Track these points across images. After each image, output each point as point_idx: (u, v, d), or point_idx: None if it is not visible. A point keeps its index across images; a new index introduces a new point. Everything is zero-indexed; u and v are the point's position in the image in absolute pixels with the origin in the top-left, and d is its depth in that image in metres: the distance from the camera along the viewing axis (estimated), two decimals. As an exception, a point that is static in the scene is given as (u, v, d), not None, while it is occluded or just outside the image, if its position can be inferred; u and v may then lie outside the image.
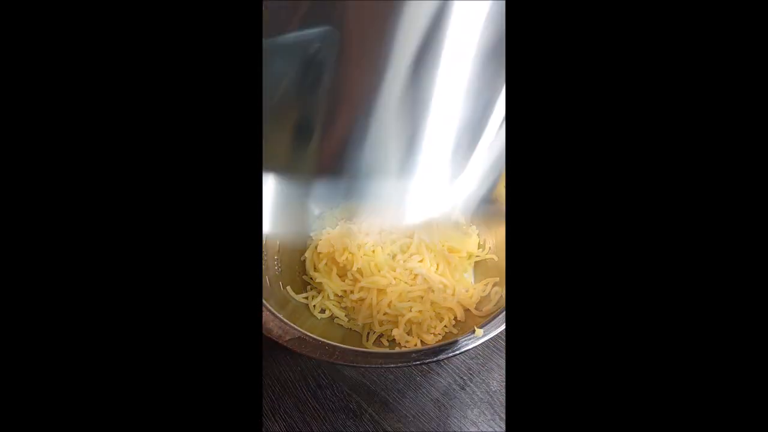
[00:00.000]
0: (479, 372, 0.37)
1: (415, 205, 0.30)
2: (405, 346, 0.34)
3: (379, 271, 0.37)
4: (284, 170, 0.29)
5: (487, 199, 0.32)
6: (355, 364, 0.26)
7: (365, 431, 0.35)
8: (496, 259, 0.38)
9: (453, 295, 0.37)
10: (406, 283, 0.37)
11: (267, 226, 0.36)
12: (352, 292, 0.37)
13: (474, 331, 0.27)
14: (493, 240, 0.40)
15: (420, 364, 0.26)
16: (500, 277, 0.37)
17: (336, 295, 0.37)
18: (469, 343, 0.26)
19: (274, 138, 0.26)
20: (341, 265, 0.37)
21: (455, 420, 0.35)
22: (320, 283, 0.37)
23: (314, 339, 0.27)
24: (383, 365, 0.26)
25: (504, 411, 0.35)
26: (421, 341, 0.35)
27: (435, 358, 0.26)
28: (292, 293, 0.36)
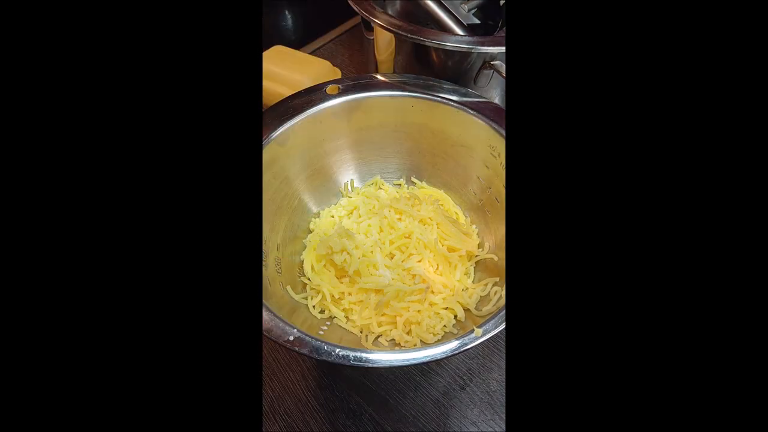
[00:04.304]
0: (479, 372, 0.37)
1: None
2: (404, 347, 0.34)
3: (377, 270, 0.37)
4: None
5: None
6: (354, 364, 0.26)
7: (365, 431, 0.35)
8: (495, 258, 0.38)
9: (452, 295, 0.37)
10: (404, 283, 0.37)
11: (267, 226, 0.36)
12: (350, 294, 0.37)
13: (473, 331, 0.27)
14: (493, 240, 0.40)
15: (420, 363, 0.26)
16: (500, 277, 0.37)
17: (333, 297, 0.37)
18: (469, 343, 0.26)
19: None
20: (339, 266, 0.37)
21: (455, 420, 0.35)
22: (318, 284, 0.37)
23: (314, 339, 0.27)
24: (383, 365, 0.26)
25: (504, 411, 0.35)
26: (421, 341, 0.35)
27: (435, 358, 0.26)
28: (291, 293, 0.36)
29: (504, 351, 0.38)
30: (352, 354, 0.26)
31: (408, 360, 0.26)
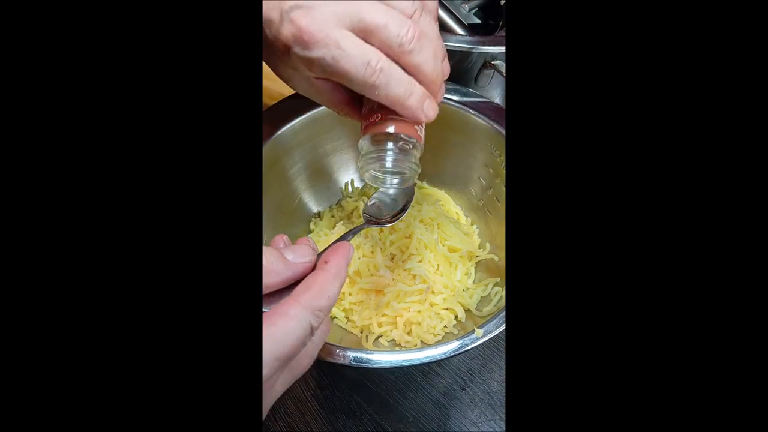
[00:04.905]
0: (479, 372, 0.37)
1: None
2: (405, 347, 0.34)
3: (377, 271, 0.37)
4: None
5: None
6: (355, 364, 0.26)
7: (365, 431, 0.34)
8: (496, 259, 0.38)
9: (453, 295, 0.37)
10: (405, 283, 0.37)
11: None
12: (350, 294, 0.37)
13: (474, 332, 0.27)
14: (494, 240, 0.40)
15: (420, 364, 0.26)
16: (501, 278, 0.37)
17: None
18: (470, 344, 0.26)
19: None
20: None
21: (455, 420, 0.35)
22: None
23: None
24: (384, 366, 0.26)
25: (504, 411, 0.35)
26: (421, 341, 0.34)
27: (435, 359, 0.26)
28: (292, 293, 0.36)
29: (504, 351, 0.38)
30: (352, 354, 0.26)
31: (408, 361, 0.26)
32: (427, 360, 0.26)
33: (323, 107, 0.40)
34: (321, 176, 0.43)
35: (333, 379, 0.37)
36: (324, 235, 0.41)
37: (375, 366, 0.26)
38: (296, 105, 0.39)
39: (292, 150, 0.40)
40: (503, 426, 0.35)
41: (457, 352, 0.26)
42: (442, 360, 0.26)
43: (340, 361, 0.26)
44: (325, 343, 0.26)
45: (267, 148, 0.37)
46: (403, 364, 0.26)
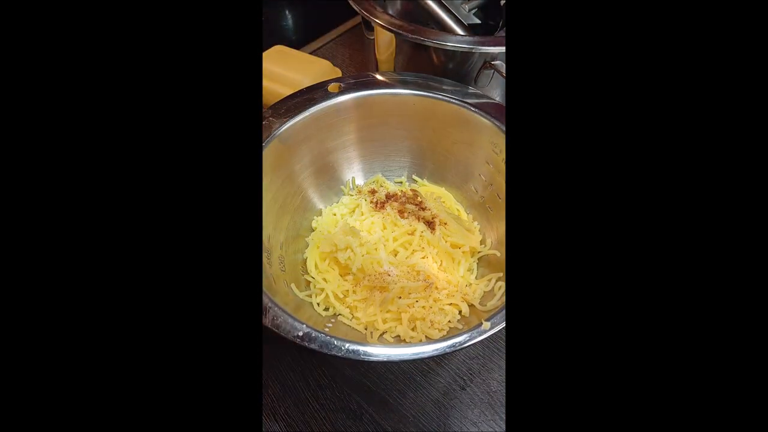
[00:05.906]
0: (479, 372, 0.37)
1: None
2: (410, 343, 0.34)
3: (381, 267, 0.37)
4: None
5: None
6: (363, 358, 0.26)
7: (365, 431, 0.34)
8: (498, 254, 0.38)
9: (456, 290, 0.37)
10: (408, 279, 0.37)
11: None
12: (354, 291, 0.37)
13: (481, 324, 0.27)
14: (495, 236, 0.40)
15: (427, 357, 0.26)
16: (503, 272, 0.37)
17: (337, 295, 0.37)
18: (478, 336, 0.26)
19: None
20: (343, 264, 0.37)
21: (455, 420, 0.35)
22: (322, 284, 0.37)
23: (324, 334, 0.27)
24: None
25: (504, 411, 0.35)
26: (426, 337, 0.34)
27: (453, 349, 0.26)
28: (296, 290, 0.36)
29: (504, 352, 0.38)
30: (362, 349, 0.26)
31: (419, 353, 0.26)
32: (437, 353, 0.26)
33: (324, 105, 0.40)
34: (323, 175, 0.43)
35: (333, 379, 0.37)
36: (327, 232, 0.41)
37: (385, 360, 0.26)
38: (296, 104, 0.39)
39: (292, 149, 0.40)
40: (503, 426, 0.35)
41: (464, 345, 0.26)
42: (449, 354, 0.26)
43: (349, 356, 0.25)
44: (335, 338, 0.26)
45: (267, 147, 0.37)
46: (414, 357, 0.26)
